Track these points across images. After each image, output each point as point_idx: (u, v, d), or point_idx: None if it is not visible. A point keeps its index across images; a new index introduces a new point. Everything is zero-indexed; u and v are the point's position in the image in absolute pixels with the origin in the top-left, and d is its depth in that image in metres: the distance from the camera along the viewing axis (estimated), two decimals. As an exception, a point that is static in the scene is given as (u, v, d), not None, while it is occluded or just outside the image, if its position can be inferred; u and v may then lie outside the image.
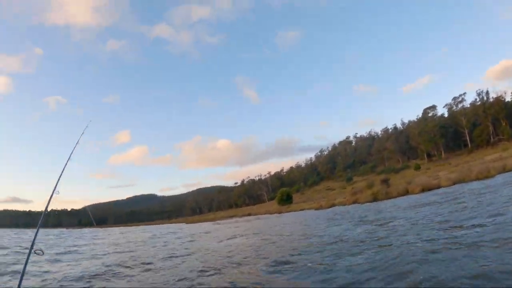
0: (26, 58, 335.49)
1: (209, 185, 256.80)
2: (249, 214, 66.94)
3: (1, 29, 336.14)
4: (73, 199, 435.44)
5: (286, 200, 67.71)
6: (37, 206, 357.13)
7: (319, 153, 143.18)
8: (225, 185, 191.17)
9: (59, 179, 4.90)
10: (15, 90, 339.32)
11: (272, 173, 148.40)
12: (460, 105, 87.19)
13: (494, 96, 79.67)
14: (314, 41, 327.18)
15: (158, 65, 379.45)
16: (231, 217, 69.67)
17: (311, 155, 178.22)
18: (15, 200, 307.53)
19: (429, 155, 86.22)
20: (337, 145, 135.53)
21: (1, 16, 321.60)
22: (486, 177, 24.91)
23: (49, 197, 4.51)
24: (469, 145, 77.87)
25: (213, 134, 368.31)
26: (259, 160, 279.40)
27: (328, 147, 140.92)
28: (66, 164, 5.34)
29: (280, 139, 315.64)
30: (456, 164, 56.39)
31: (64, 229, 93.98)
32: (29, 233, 48.40)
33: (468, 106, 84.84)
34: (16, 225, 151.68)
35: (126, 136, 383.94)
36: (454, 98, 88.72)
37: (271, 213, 56.14)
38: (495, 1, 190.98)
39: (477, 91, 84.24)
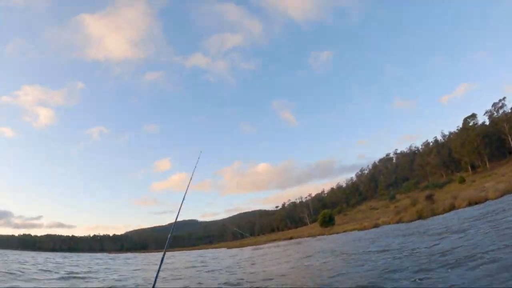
0: (68, 92, 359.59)
1: (250, 210, 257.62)
2: (291, 238, 66.71)
3: (45, 65, 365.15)
4: (115, 224, 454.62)
5: (329, 222, 66.97)
6: (80, 231, 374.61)
7: (359, 172, 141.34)
8: (267, 209, 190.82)
9: (179, 212, 5.71)
10: (59, 122, 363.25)
11: (313, 195, 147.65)
12: (501, 111, 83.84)
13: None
14: (348, 59, 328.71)
15: (196, 93, 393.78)
16: (273, 240, 69.58)
17: (352, 175, 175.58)
18: (60, 225, 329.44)
19: (473, 167, 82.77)
20: (377, 163, 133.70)
21: (45, 53, 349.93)
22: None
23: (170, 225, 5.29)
24: (514, 152, 74.34)
25: (252, 159, 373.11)
26: (300, 182, 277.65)
27: (368, 166, 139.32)
28: (185, 193, 6.27)
29: (320, 160, 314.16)
30: (503, 173, 54.11)
31: (108, 254, 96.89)
32: (74, 257, 49.94)
33: (510, 111, 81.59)
34: (60, 249, 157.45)
35: (166, 163, 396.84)
36: (494, 104, 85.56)
37: (313, 236, 55.79)
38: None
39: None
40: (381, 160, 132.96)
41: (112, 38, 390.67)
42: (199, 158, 8.40)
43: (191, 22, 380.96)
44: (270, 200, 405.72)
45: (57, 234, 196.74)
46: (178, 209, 5.70)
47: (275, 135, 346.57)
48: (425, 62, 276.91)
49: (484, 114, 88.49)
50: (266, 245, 55.47)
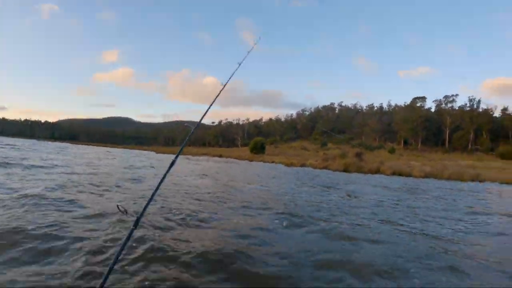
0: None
1: (187, 120, 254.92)
2: (220, 156, 66.65)
3: None
4: (49, 111, 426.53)
5: (259, 150, 67.97)
6: (11, 114, 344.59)
7: (301, 112, 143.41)
8: (204, 122, 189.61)
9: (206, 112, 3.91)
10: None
11: (251, 120, 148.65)
12: (449, 105, 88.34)
13: (484, 107, 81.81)
14: (328, 2, 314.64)
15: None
16: (204, 154, 69.25)
17: (293, 112, 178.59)
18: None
19: (406, 143, 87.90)
20: (320, 108, 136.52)
21: None
22: (459, 180, 25.24)
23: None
24: (446, 145, 79.70)
25: (202, 70, 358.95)
26: (243, 104, 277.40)
27: (311, 108, 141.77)
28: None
29: (268, 89, 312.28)
30: (431, 158, 57.69)
31: (37, 141, 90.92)
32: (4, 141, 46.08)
33: (457, 108, 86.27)
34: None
35: (114, 55, 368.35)
36: (446, 96, 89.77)
37: (241, 159, 55.97)
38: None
39: (469, 97, 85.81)
40: (324, 107, 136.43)
41: None
42: (255, 43, 5.55)
43: None
44: (209, 115, 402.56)
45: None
46: (206, 110, 3.83)
47: (231, 53, 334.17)
48: (400, 32, 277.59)
49: (433, 101, 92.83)
50: (198, 157, 54.65)
